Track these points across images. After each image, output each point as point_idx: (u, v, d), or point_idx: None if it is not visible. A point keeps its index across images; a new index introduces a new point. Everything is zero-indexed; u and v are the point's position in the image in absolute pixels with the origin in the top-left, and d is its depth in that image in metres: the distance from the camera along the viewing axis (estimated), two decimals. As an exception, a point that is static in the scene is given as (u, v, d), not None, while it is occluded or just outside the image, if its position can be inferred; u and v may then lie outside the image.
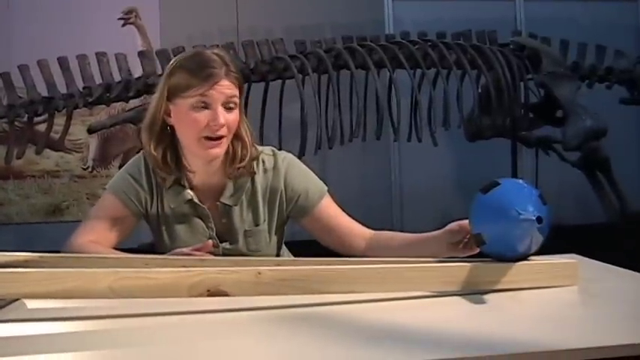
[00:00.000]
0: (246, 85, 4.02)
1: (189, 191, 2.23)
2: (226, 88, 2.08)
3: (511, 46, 5.35)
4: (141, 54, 5.02)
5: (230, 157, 2.20)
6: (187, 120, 2.10)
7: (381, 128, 5.07)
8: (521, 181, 1.80)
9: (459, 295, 1.65)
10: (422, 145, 5.24)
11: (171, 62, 2.18)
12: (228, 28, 6.13)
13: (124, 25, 6.38)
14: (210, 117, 2.07)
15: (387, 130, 5.21)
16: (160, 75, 4.73)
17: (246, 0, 6.43)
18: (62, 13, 6.20)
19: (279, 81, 5.03)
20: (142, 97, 5.11)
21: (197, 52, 2.20)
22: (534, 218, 1.62)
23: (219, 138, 2.10)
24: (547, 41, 5.46)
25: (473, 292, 1.65)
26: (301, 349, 1.31)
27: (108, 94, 4.86)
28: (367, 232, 2.22)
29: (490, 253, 1.74)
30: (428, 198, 6.49)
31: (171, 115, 2.14)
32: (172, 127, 2.17)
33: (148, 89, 4.89)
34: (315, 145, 4.90)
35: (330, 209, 2.25)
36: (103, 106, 5.27)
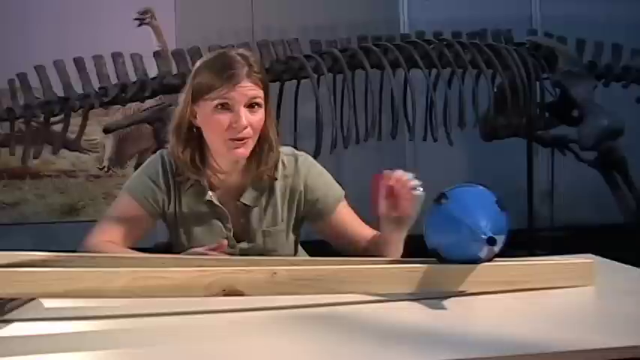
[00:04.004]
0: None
1: (209, 192, 2.23)
2: (248, 89, 2.08)
3: (527, 46, 5.32)
4: (156, 54, 5.03)
5: (257, 158, 2.21)
6: (211, 122, 2.11)
7: (396, 128, 5.06)
8: (480, 188, 1.74)
9: (475, 294, 1.64)
10: (437, 145, 5.22)
11: (196, 63, 2.19)
12: (244, 28, 6.14)
13: (139, 25, 6.39)
14: (233, 119, 2.07)
15: (402, 130, 5.19)
16: (176, 75, 4.82)
17: (261, 0, 6.43)
18: (78, 13, 6.22)
19: (294, 81, 5.03)
20: (158, 98, 5.12)
21: (221, 52, 2.20)
22: (485, 238, 1.55)
23: (244, 138, 2.11)
24: (563, 40, 5.44)
25: (488, 291, 1.65)
26: (317, 348, 1.31)
27: (123, 94, 4.87)
28: (371, 235, 2.23)
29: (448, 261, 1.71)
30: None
31: (197, 116, 2.14)
32: (199, 129, 2.17)
33: (163, 89, 4.91)
34: (331, 145, 4.90)
35: (344, 215, 2.27)
36: (119, 106, 5.29)
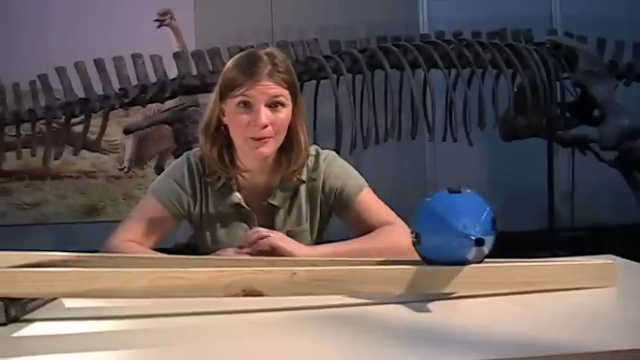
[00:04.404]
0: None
1: (237, 194, 2.24)
2: (269, 87, 2.08)
3: (547, 45, 5.30)
4: (176, 55, 5.05)
5: (285, 158, 2.21)
6: (234, 120, 2.12)
7: (415, 128, 5.06)
8: (468, 191, 1.70)
9: (494, 295, 1.64)
10: (457, 145, 5.21)
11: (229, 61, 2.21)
12: (263, 29, 6.15)
13: (159, 26, 6.42)
14: (252, 117, 2.08)
15: (421, 130, 5.19)
16: (195, 76, 4.83)
17: (280, 1, 6.44)
18: (98, 15, 6.25)
19: (314, 81, 5.03)
20: (177, 98, 5.14)
21: (249, 51, 2.22)
22: (474, 239, 1.51)
23: (265, 137, 2.11)
24: (583, 40, 5.41)
25: (508, 292, 1.64)
26: (336, 348, 1.31)
27: (143, 95, 4.89)
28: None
29: (424, 255, 1.68)
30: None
31: (224, 114, 2.16)
32: (227, 127, 2.18)
33: (183, 90, 4.93)
34: (350, 145, 4.90)
35: (365, 203, 2.25)
36: (139, 107, 5.32)
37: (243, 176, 2.25)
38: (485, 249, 1.58)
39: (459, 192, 1.65)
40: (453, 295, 1.63)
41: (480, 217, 1.56)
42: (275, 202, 2.25)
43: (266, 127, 2.09)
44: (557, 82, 5.21)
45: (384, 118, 5.06)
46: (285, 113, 2.12)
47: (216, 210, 2.26)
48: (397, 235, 2.10)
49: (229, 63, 2.18)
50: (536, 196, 5.83)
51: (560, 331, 1.38)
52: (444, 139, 5.22)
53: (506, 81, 5.09)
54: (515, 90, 5.19)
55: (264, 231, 2.11)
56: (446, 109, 5.18)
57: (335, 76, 4.94)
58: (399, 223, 2.20)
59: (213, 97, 2.20)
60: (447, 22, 5.90)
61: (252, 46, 4.56)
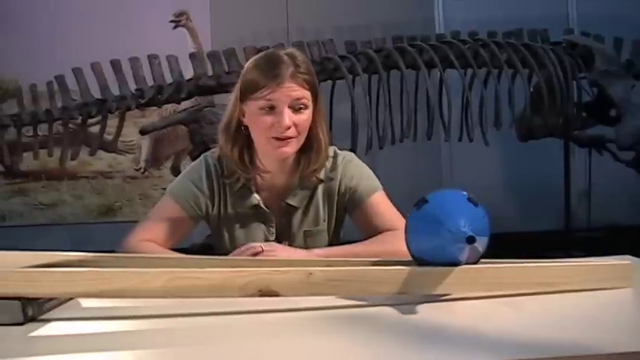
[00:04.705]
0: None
1: (255, 195, 2.25)
2: (292, 90, 2.08)
3: (563, 45, 5.28)
4: (192, 56, 5.06)
5: (305, 158, 2.21)
6: (257, 122, 2.12)
7: (431, 128, 5.06)
8: (460, 192, 1.68)
9: (509, 296, 1.63)
10: (473, 145, 5.20)
11: (248, 62, 2.21)
12: (279, 29, 6.15)
13: (175, 27, 6.43)
14: (276, 119, 2.08)
15: (437, 130, 5.18)
16: (211, 76, 4.84)
17: (296, 1, 6.44)
18: (115, 17, 6.27)
19: (330, 81, 5.03)
20: (193, 99, 5.16)
21: (269, 52, 2.22)
22: (465, 237, 1.49)
23: (288, 138, 2.11)
24: (600, 39, 5.39)
25: (523, 293, 1.64)
26: (352, 348, 1.31)
27: (159, 96, 4.91)
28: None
29: (417, 256, 1.66)
30: (479, 198, 6.43)
31: (245, 115, 2.16)
32: (247, 127, 2.18)
33: (199, 91, 4.94)
34: (366, 145, 4.89)
35: (377, 206, 2.24)
36: (155, 107, 5.34)
37: (262, 177, 2.25)
38: (479, 248, 1.57)
39: (451, 191, 1.64)
40: (468, 296, 1.63)
41: (473, 217, 1.55)
42: (293, 202, 2.26)
43: (289, 128, 2.09)
44: (574, 82, 5.19)
45: (399, 118, 5.05)
46: (307, 114, 2.13)
47: (234, 211, 2.27)
48: (399, 241, 2.09)
49: (249, 64, 2.18)
50: (553, 196, 5.81)
51: (574, 332, 1.38)
52: (460, 140, 5.21)
53: (522, 81, 5.07)
54: (531, 90, 5.17)
55: (256, 245, 2.11)
56: (462, 109, 5.17)
57: (351, 76, 4.94)
58: None
59: (232, 97, 2.20)
60: (463, 21, 5.89)
61: (268, 47, 4.58)
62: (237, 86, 2.18)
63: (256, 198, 2.25)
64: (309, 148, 2.20)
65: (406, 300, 1.59)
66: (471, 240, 1.49)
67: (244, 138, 2.21)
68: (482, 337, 1.36)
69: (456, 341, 1.34)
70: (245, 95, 2.13)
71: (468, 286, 1.61)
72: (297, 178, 2.25)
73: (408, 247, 1.65)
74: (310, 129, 2.17)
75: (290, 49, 2.20)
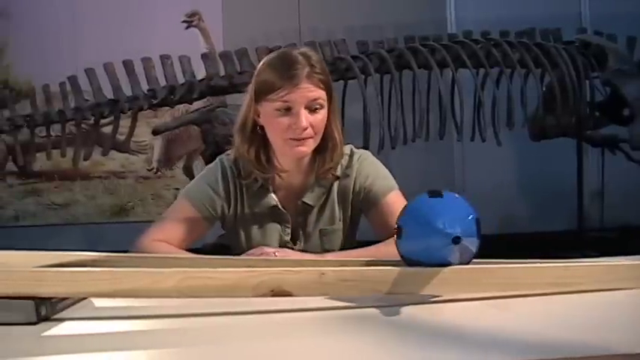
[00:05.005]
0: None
1: (272, 195, 2.25)
2: (308, 90, 2.08)
3: (576, 44, 5.26)
4: (204, 56, 5.07)
5: (321, 157, 2.21)
6: (273, 123, 2.12)
7: (444, 128, 5.05)
8: (450, 193, 1.67)
9: (523, 296, 1.63)
10: (485, 145, 5.19)
11: (261, 61, 2.21)
12: (290, 29, 6.15)
13: (187, 27, 6.44)
14: (292, 120, 2.08)
15: (450, 130, 5.17)
16: (223, 77, 4.84)
17: (307, 1, 6.44)
18: (127, 17, 6.29)
19: (342, 81, 5.03)
20: (206, 99, 5.16)
21: (283, 52, 2.22)
22: (451, 237, 1.49)
23: (304, 138, 2.11)
24: (613, 38, 5.36)
25: (537, 294, 1.63)
26: (365, 349, 1.31)
27: (172, 96, 4.92)
28: None
29: (406, 257, 1.66)
30: (491, 198, 6.42)
31: (260, 116, 2.16)
32: (263, 127, 2.18)
33: (211, 91, 4.95)
34: (378, 145, 4.89)
35: (390, 207, 2.21)
36: (167, 107, 5.35)
37: (280, 176, 2.25)
38: (471, 249, 1.57)
39: (441, 195, 1.63)
40: (482, 296, 1.62)
41: (460, 218, 1.54)
42: (310, 201, 2.26)
43: (306, 129, 2.09)
44: (587, 81, 5.17)
45: (411, 118, 5.05)
46: (322, 114, 2.13)
47: (251, 211, 2.27)
48: None
49: (262, 64, 2.18)
50: (566, 196, 5.79)
51: (586, 332, 1.37)
52: (473, 139, 5.20)
53: (535, 80, 5.06)
54: (544, 89, 5.15)
55: (270, 251, 2.12)
56: (474, 109, 5.16)
57: (363, 76, 4.94)
58: None
59: (246, 98, 2.20)
60: (475, 21, 5.87)
61: (280, 47, 4.58)
62: (251, 87, 2.18)
63: (274, 199, 2.25)
64: (324, 146, 2.20)
65: (423, 299, 1.59)
66: (456, 240, 1.49)
67: (260, 138, 2.21)
68: (493, 336, 1.36)
69: (465, 341, 1.34)
70: (260, 96, 2.13)
71: (482, 286, 1.61)
72: (313, 176, 2.25)
73: (397, 249, 1.65)
74: (325, 128, 2.17)
75: (304, 49, 2.20)
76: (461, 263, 1.58)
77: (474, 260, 1.67)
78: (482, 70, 5.09)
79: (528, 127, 5.29)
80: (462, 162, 6.56)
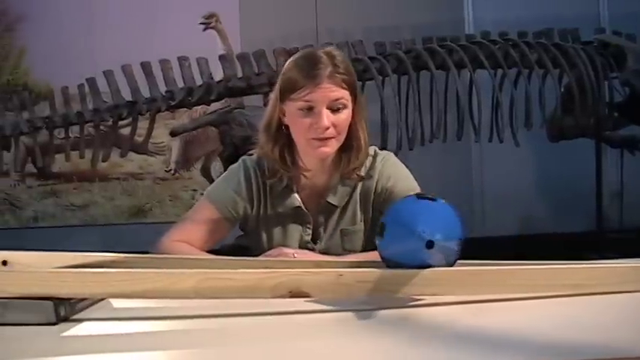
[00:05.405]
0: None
1: (296, 196, 2.26)
2: (329, 90, 2.09)
3: (594, 44, 5.23)
4: (222, 58, 5.08)
5: (346, 157, 2.21)
6: (296, 122, 2.14)
7: (461, 129, 5.03)
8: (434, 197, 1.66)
9: (535, 298, 1.62)
10: (503, 146, 5.17)
11: (288, 60, 2.22)
12: (308, 31, 6.15)
13: (205, 29, 6.45)
14: (314, 119, 2.09)
15: (467, 131, 5.15)
16: (241, 78, 4.85)
17: (325, 2, 6.43)
18: (145, 19, 6.31)
19: (359, 82, 5.00)
20: (223, 101, 5.17)
21: (309, 51, 2.24)
22: (425, 240, 1.50)
23: (327, 138, 2.12)
24: (632, 38, 5.33)
25: (556, 295, 1.63)
26: (384, 349, 1.31)
27: (190, 98, 4.92)
28: None
29: (385, 257, 1.66)
30: (510, 199, 6.40)
31: (285, 115, 2.17)
32: (287, 127, 2.19)
33: (229, 92, 4.95)
34: (396, 146, 4.88)
35: None
36: (185, 109, 5.35)
37: (305, 175, 2.26)
38: (453, 248, 1.56)
39: (429, 199, 1.62)
40: (497, 298, 1.62)
41: (437, 222, 1.53)
42: (333, 200, 2.26)
43: (328, 129, 2.10)
44: (606, 82, 5.14)
45: (429, 119, 5.03)
46: (345, 114, 2.13)
47: (274, 212, 2.28)
48: None
49: (288, 63, 2.19)
50: (584, 197, 5.77)
51: (601, 334, 1.37)
52: (490, 140, 5.18)
53: (553, 81, 5.04)
54: (562, 90, 5.13)
55: (289, 252, 2.12)
56: (492, 110, 5.14)
57: (380, 77, 4.93)
58: None
59: (273, 97, 2.21)
60: (493, 22, 5.85)
61: (298, 48, 4.59)
62: (277, 85, 2.19)
63: (297, 199, 2.26)
64: (349, 147, 2.21)
65: (441, 301, 1.59)
66: (429, 245, 1.48)
67: (285, 137, 2.22)
68: (507, 338, 1.35)
69: (481, 342, 1.33)
70: (284, 95, 2.15)
71: (500, 287, 1.61)
72: (337, 176, 2.26)
73: (378, 251, 1.65)
74: (350, 128, 2.18)
75: (330, 49, 2.21)
76: (449, 264, 1.59)
77: (495, 262, 1.67)
78: (500, 71, 5.07)
79: (547, 128, 5.27)
80: (480, 163, 6.53)
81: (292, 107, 2.13)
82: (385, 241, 1.62)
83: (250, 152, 2.36)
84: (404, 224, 1.55)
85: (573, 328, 1.41)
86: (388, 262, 1.63)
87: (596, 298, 1.62)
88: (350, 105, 2.15)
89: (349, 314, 1.55)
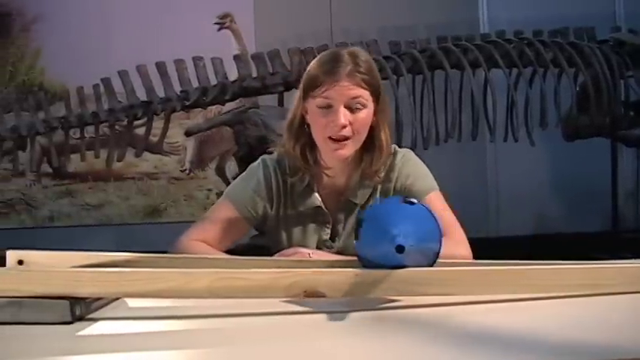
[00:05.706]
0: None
1: (317, 196, 2.26)
2: (347, 88, 2.08)
3: (610, 43, 5.21)
4: (236, 58, 5.09)
5: (367, 157, 2.21)
6: (316, 121, 2.14)
7: (476, 128, 5.03)
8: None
9: (547, 299, 1.62)
10: (518, 145, 5.16)
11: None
12: (322, 30, 6.14)
13: (219, 29, 6.46)
14: (331, 117, 2.09)
15: (482, 130, 5.15)
16: (255, 78, 4.86)
17: (339, 2, 6.43)
18: (160, 19, 6.33)
19: (374, 82, 5.01)
20: (238, 100, 5.18)
21: (332, 50, 2.25)
22: (395, 244, 1.46)
23: (343, 139, 2.11)
24: (648, 37, 5.31)
25: (560, 296, 1.62)
26: (396, 349, 1.31)
27: (204, 98, 4.93)
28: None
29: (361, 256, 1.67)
30: (525, 198, 6.39)
31: (307, 113, 2.17)
32: (309, 125, 2.19)
33: (243, 92, 4.96)
34: (411, 146, 4.86)
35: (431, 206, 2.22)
36: (200, 109, 5.36)
37: (327, 174, 2.26)
38: (433, 247, 1.58)
39: (411, 203, 1.62)
40: (512, 298, 1.61)
41: (409, 225, 1.52)
42: (355, 199, 2.26)
43: (345, 127, 2.09)
44: (621, 81, 5.12)
45: (444, 118, 5.03)
46: (364, 114, 2.12)
47: (294, 211, 2.28)
48: (452, 245, 2.06)
49: (314, 61, 2.20)
50: (600, 197, 5.75)
51: (612, 335, 1.36)
52: (505, 140, 5.17)
53: (568, 80, 5.02)
54: (577, 89, 5.11)
55: (304, 252, 2.12)
56: (507, 109, 5.13)
57: (395, 76, 4.93)
58: (459, 234, 2.18)
59: (297, 95, 2.22)
60: (508, 21, 5.83)
61: (312, 48, 4.60)
62: (301, 83, 2.20)
63: (317, 199, 2.26)
64: (370, 147, 2.20)
65: (458, 300, 1.59)
66: (400, 249, 1.47)
67: (307, 135, 2.22)
68: (521, 338, 1.35)
69: (494, 342, 1.33)
70: (306, 92, 2.15)
71: (511, 287, 1.60)
72: (357, 176, 2.25)
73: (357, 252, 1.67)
74: (372, 128, 2.17)
75: (354, 48, 2.21)
76: (430, 264, 1.61)
77: (515, 262, 1.67)
78: (515, 70, 5.05)
79: (562, 127, 5.25)
80: (495, 162, 6.52)
81: (312, 105, 2.13)
82: (359, 243, 1.65)
83: (270, 151, 2.36)
84: (376, 228, 1.55)
85: (585, 329, 1.40)
86: (364, 262, 1.65)
87: (608, 299, 1.61)
88: (370, 105, 2.14)
89: (363, 314, 1.55)
